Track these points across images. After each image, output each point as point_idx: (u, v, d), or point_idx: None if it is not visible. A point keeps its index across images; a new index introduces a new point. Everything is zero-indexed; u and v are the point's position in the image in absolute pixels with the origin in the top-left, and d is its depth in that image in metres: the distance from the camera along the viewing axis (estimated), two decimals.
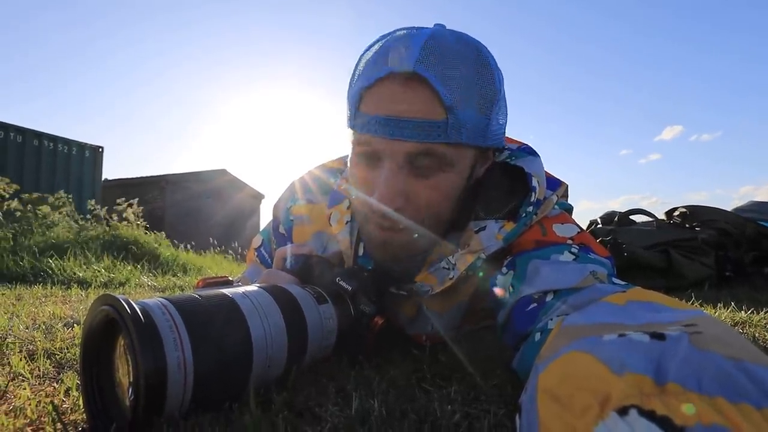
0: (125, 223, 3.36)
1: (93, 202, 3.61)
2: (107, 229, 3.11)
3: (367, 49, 0.52)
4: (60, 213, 3.26)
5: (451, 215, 0.54)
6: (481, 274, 0.53)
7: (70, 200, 3.46)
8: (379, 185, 0.49)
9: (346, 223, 0.60)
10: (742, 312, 0.93)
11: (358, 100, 0.50)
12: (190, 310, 0.37)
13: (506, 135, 0.63)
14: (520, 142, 0.61)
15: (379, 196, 0.49)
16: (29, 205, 3.12)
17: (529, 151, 0.58)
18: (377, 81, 0.48)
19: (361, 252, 0.59)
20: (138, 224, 3.49)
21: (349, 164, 0.56)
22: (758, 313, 0.91)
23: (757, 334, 0.75)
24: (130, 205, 3.62)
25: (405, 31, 0.50)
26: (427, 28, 0.50)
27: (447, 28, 0.51)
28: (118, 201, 3.58)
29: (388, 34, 0.52)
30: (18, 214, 3.04)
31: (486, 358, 0.54)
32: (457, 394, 0.43)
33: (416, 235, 0.52)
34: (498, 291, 0.50)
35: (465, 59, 0.47)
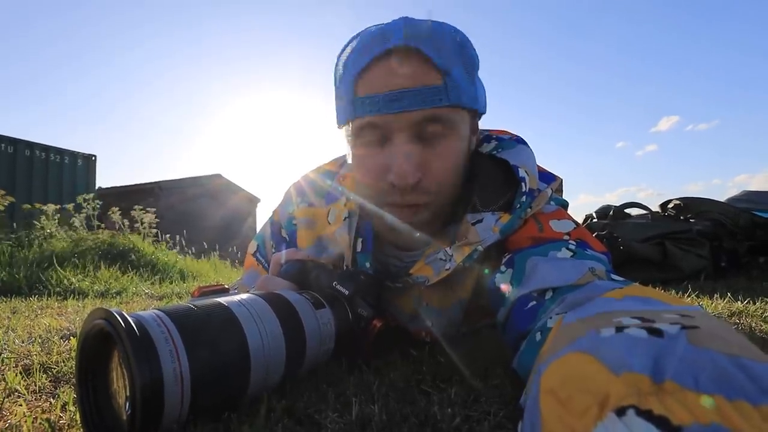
0: (122, 231, 3.33)
1: (96, 205, 3.58)
2: (105, 237, 3.08)
3: (344, 49, 0.54)
4: (63, 225, 3.23)
5: (456, 192, 0.54)
6: (485, 271, 0.53)
7: (74, 213, 3.42)
8: (393, 164, 0.49)
9: (344, 219, 0.60)
10: (738, 302, 0.93)
11: (353, 87, 0.51)
12: (185, 320, 0.37)
13: (502, 128, 0.63)
14: (512, 134, 0.61)
15: (397, 173, 0.49)
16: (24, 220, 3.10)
17: (518, 141, 0.59)
18: (370, 63, 0.49)
19: (359, 248, 0.59)
20: (148, 233, 3.49)
21: (351, 160, 0.56)
22: (754, 303, 0.91)
23: (753, 324, 0.76)
24: (146, 212, 3.63)
25: (377, 26, 0.52)
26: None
27: None
28: (113, 209, 3.56)
29: (360, 32, 0.53)
30: (24, 221, 3.03)
31: (486, 358, 0.54)
32: (457, 397, 0.43)
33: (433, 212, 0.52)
34: (504, 287, 0.49)
35: (444, 33, 0.50)
